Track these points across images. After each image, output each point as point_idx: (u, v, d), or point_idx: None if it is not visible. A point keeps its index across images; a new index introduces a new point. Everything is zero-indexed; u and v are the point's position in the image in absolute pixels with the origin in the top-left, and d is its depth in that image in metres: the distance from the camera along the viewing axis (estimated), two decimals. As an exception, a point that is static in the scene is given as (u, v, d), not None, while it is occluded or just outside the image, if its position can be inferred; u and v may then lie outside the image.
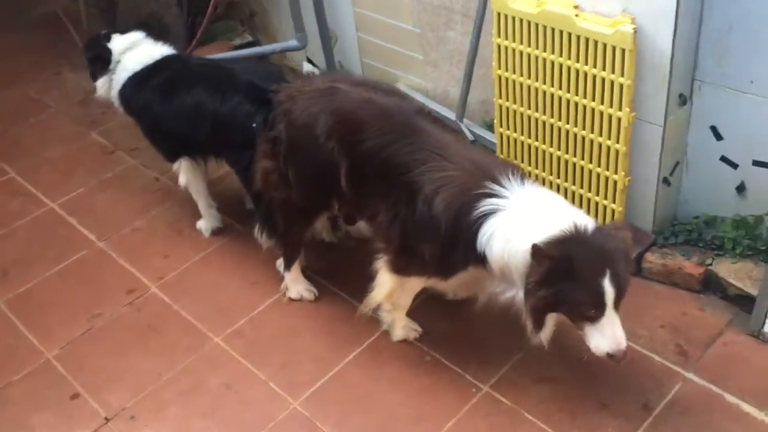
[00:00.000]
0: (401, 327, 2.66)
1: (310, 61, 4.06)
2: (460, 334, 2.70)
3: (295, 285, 2.88)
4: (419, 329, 2.69)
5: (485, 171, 2.18)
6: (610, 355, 2.09)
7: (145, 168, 3.75)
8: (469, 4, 3.09)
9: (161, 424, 2.52)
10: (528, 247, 1.99)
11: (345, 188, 2.39)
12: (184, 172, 3.14)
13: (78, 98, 4.40)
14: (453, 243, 2.19)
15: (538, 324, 2.14)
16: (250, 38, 4.37)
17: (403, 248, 2.33)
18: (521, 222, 2.08)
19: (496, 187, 2.13)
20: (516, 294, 2.15)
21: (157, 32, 4.09)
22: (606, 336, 2.07)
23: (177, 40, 4.16)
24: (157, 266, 3.16)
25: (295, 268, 2.86)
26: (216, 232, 3.26)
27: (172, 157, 3.15)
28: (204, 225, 3.27)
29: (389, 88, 2.53)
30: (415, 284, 2.50)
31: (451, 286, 2.63)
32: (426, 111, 2.43)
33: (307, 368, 2.64)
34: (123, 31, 3.29)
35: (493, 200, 2.11)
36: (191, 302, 2.97)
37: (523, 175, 2.19)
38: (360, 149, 2.30)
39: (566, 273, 2.00)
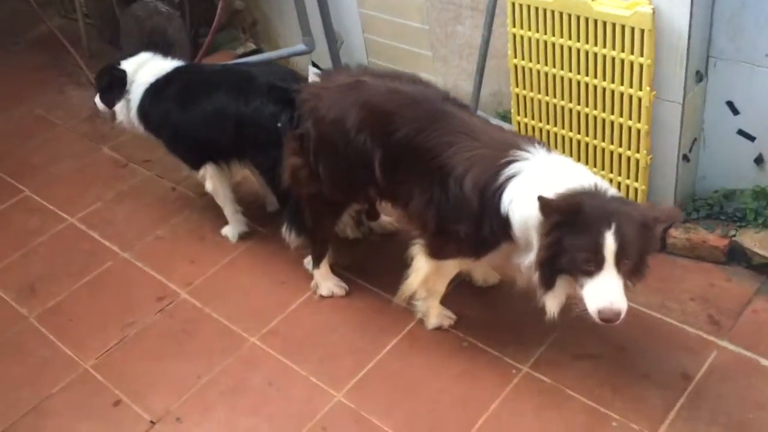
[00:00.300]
0: (436, 315, 2.71)
1: (315, 65, 4.10)
2: (494, 318, 2.75)
3: (326, 282, 2.92)
4: (453, 316, 2.74)
5: (511, 143, 2.23)
6: (599, 312, 2.00)
7: (160, 179, 3.78)
8: (478, -2, 3.16)
9: (210, 425, 2.55)
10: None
11: (379, 178, 2.43)
12: (210, 179, 3.17)
13: (84, 115, 4.42)
14: (483, 217, 2.22)
15: (545, 281, 2.11)
16: (253, 46, 4.42)
17: (439, 230, 2.37)
18: (540, 181, 2.10)
19: (520, 153, 2.17)
20: (533, 257, 2.14)
21: (161, 45, 4.17)
22: (599, 292, 2.00)
23: (181, 51, 4.20)
24: (184, 272, 3.19)
25: (324, 265, 2.90)
26: (242, 237, 3.29)
27: (197, 164, 3.17)
28: (231, 231, 3.29)
29: (412, 77, 2.57)
30: (451, 268, 2.54)
31: (483, 267, 2.71)
32: (451, 97, 2.48)
33: (347, 361, 2.68)
34: (130, 55, 3.34)
35: (516, 164, 2.15)
36: (222, 305, 3.00)
37: (548, 147, 2.23)
38: (392, 139, 2.35)
39: (571, 222, 1.99)
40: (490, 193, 2.17)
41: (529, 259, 2.17)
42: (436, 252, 2.45)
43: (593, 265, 2.00)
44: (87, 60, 4.80)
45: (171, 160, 3.85)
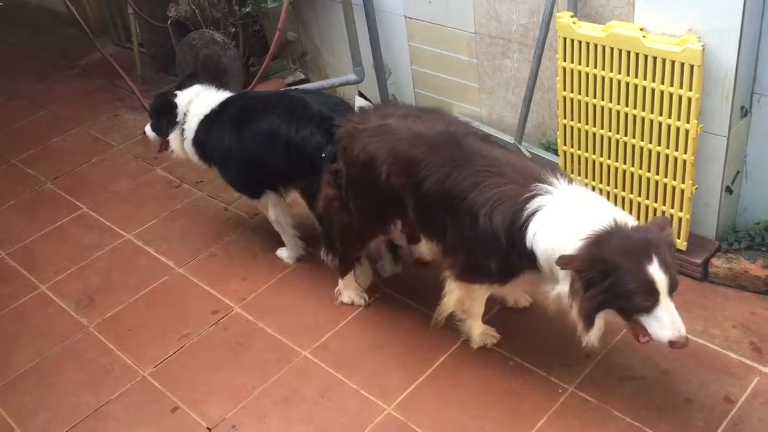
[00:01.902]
0: (478, 334, 2.80)
1: (362, 95, 4.26)
2: (539, 338, 2.84)
3: (347, 291, 3.09)
4: (497, 335, 2.83)
5: (532, 175, 2.31)
6: (671, 342, 2.09)
7: (212, 198, 3.93)
8: (527, 33, 3.31)
9: (264, 431, 2.65)
10: (567, 245, 2.10)
11: (413, 219, 2.58)
12: (272, 207, 3.27)
13: (138, 137, 4.60)
14: (511, 251, 2.30)
15: (589, 323, 2.18)
16: (302, 76, 4.59)
17: (471, 265, 2.47)
18: (564, 217, 2.18)
19: (543, 186, 2.25)
20: (561, 289, 2.22)
21: (215, 72, 4.36)
22: (665, 324, 2.08)
23: (234, 79, 4.39)
24: (237, 288, 3.31)
25: (349, 277, 3.07)
26: (299, 260, 3.41)
27: (256, 192, 3.25)
28: (287, 254, 3.40)
29: (435, 113, 2.69)
30: (480, 291, 2.63)
31: (509, 292, 2.82)
32: (472, 130, 2.59)
33: (396, 376, 2.78)
34: (181, 88, 3.45)
35: (539, 198, 2.23)
36: (275, 320, 3.11)
37: (569, 177, 2.32)
38: (422, 189, 2.46)
39: (608, 270, 2.06)
40: (516, 228, 2.25)
41: (557, 290, 2.25)
42: (465, 277, 2.55)
43: (650, 301, 2.07)
44: (139, 86, 5.01)
45: (223, 182, 4.03)
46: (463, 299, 2.64)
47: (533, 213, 2.22)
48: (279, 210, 3.29)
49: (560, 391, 2.62)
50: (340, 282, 3.09)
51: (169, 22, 4.66)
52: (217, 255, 3.54)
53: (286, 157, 3.01)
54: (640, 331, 2.17)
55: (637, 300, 2.08)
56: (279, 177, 3.16)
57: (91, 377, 2.98)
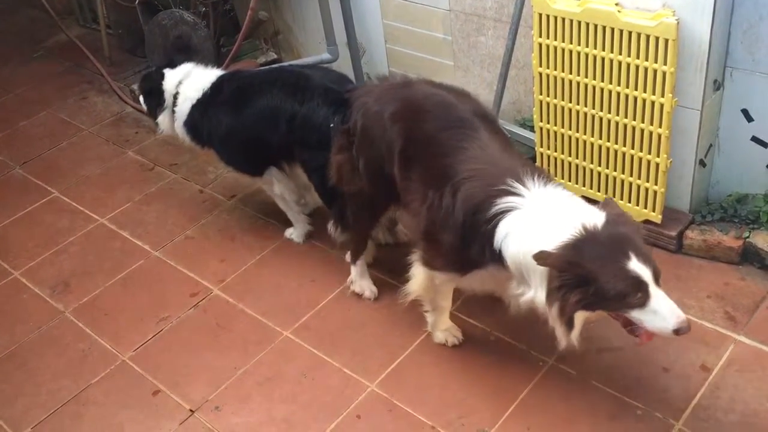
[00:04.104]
0: (442, 330, 2.76)
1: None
2: (519, 315, 2.85)
3: (361, 280, 3.02)
4: (460, 336, 2.76)
5: (511, 169, 2.23)
6: (675, 331, 2.03)
7: (187, 181, 3.90)
8: (502, 9, 3.31)
9: (247, 412, 2.65)
10: (542, 247, 2.02)
11: (396, 171, 2.48)
12: (277, 183, 3.22)
13: (108, 120, 4.55)
14: (470, 237, 2.23)
15: (570, 326, 2.12)
16: (274, 56, 4.55)
17: (426, 234, 2.41)
18: (535, 223, 2.11)
19: (517, 186, 2.17)
20: (534, 295, 2.15)
21: (186, 53, 4.29)
22: (664, 315, 2.02)
23: (205, 60, 4.31)
24: (216, 270, 3.29)
25: (361, 263, 3.00)
26: (307, 238, 3.37)
27: (258, 169, 3.20)
28: (296, 232, 3.36)
29: (462, 91, 2.64)
30: (443, 280, 2.54)
31: (471, 285, 2.57)
32: (487, 115, 2.53)
33: (378, 354, 2.79)
34: (172, 66, 3.38)
35: (511, 198, 2.16)
36: (255, 301, 3.10)
37: (549, 179, 2.23)
38: (415, 131, 2.43)
39: (590, 277, 2.00)
40: (482, 219, 2.19)
41: (529, 295, 2.18)
42: (427, 260, 2.48)
43: (642, 296, 2.01)
44: (108, 68, 4.93)
45: (198, 163, 4.01)
46: (426, 287, 2.58)
47: (503, 212, 2.16)
48: (283, 186, 3.24)
49: (541, 364, 2.66)
50: (353, 269, 3.01)
51: (136, 1, 4.58)
52: (194, 237, 3.51)
53: (290, 130, 2.95)
54: (639, 329, 2.11)
55: (629, 299, 2.02)
56: (283, 152, 3.08)
57: (69, 363, 2.94)
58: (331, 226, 3.02)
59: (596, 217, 2.08)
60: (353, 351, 2.82)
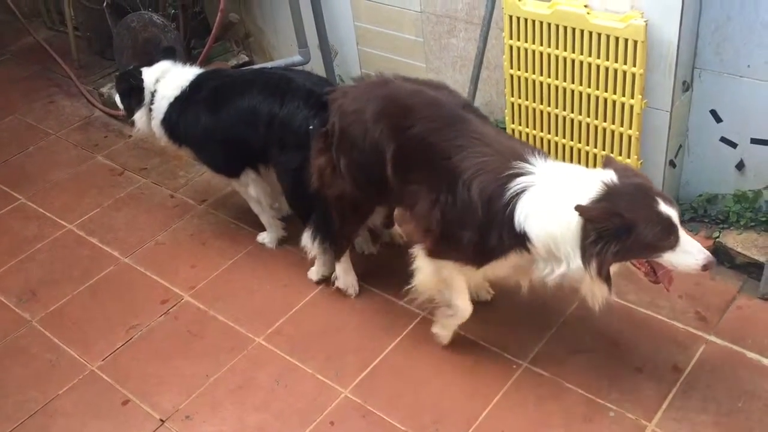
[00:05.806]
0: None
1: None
2: (493, 316, 2.85)
3: (346, 276, 2.99)
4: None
5: (513, 152, 2.28)
6: (704, 267, 2.11)
7: (157, 186, 3.84)
8: (473, 11, 3.30)
9: (219, 422, 2.61)
10: (573, 211, 2.05)
11: (390, 174, 2.47)
12: (253, 185, 3.17)
13: (76, 124, 4.47)
14: (489, 227, 2.25)
15: (609, 280, 2.17)
16: (246, 58, 4.51)
17: (443, 234, 2.40)
18: (553, 194, 2.15)
19: (524, 165, 2.21)
20: (567, 265, 2.17)
21: (155, 56, 4.23)
22: (693, 253, 2.11)
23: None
24: (186, 276, 3.25)
25: (346, 259, 2.96)
26: (281, 243, 3.32)
27: (235, 170, 3.15)
28: (269, 237, 3.31)
29: (438, 83, 2.63)
30: (451, 271, 2.52)
31: (485, 275, 2.61)
32: (472, 106, 2.55)
33: (352, 359, 2.77)
34: (149, 63, 3.33)
35: (522, 179, 2.19)
36: (227, 307, 3.07)
37: (545, 155, 2.31)
38: (407, 134, 2.40)
39: (629, 225, 2.04)
40: (499, 205, 2.20)
41: (561, 269, 2.20)
42: (436, 252, 2.47)
43: (674, 237, 2.09)
44: (76, 71, 4.85)
45: (168, 167, 3.96)
46: (433, 280, 2.54)
47: (519, 193, 2.18)
48: (260, 188, 3.18)
49: (514, 366, 2.65)
50: (338, 266, 2.98)
51: (104, 3, 4.50)
52: (164, 243, 3.46)
53: (268, 132, 2.90)
54: (663, 277, 2.20)
55: (664, 242, 2.09)
56: (260, 154, 3.02)
57: (36, 373, 2.88)
58: (307, 238, 2.93)
59: (609, 174, 2.14)
60: (327, 356, 2.80)
